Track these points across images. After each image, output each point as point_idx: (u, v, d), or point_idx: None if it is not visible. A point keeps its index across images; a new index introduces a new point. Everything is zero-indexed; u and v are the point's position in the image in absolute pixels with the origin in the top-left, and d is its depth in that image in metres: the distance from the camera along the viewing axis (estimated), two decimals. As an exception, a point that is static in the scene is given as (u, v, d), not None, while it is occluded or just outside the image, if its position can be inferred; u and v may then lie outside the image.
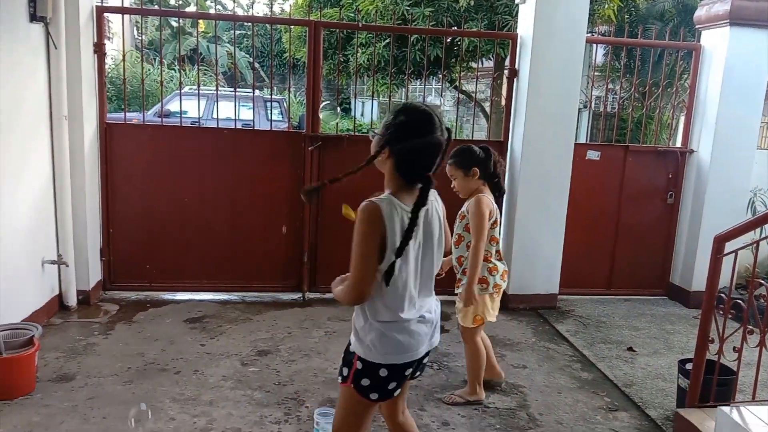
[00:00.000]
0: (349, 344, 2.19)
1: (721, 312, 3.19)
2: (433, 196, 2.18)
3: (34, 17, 4.09)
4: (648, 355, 4.45)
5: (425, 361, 2.28)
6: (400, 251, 2.02)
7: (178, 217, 5.05)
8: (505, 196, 5.28)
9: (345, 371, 2.17)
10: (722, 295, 3.18)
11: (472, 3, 8.55)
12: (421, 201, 2.05)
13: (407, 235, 2.01)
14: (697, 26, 5.64)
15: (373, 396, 2.14)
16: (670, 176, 5.65)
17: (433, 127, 2.06)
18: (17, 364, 3.32)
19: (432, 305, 2.24)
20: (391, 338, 2.09)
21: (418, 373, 2.30)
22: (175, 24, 17.30)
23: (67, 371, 3.67)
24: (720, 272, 3.21)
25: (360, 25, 5.34)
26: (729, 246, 3.20)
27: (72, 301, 4.65)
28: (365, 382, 2.12)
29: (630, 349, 4.52)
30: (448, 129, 2.12)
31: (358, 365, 2.12)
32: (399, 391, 2.22)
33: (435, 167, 2.11)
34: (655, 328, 5.00)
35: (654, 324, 5.10)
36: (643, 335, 4.84)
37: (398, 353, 2.11)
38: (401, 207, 2.04)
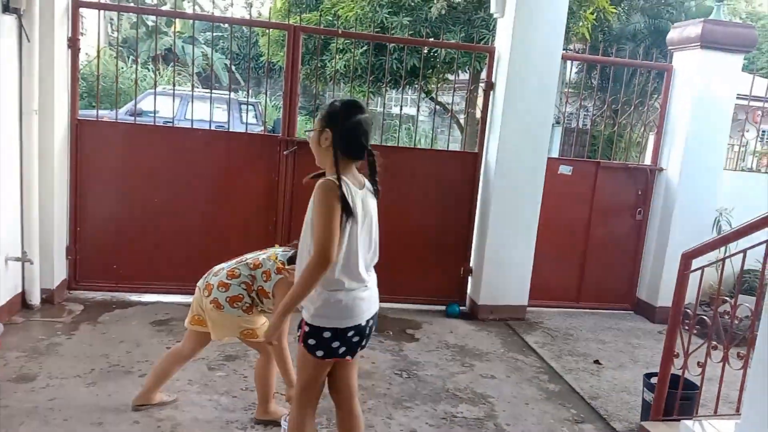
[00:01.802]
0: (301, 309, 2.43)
1: (687, 327, 3.26)
2: (367, 182, 2.49)
3: (6, 8, 4.01)
4: (614, 368, 4.51)
5: (371, 331, 2.53)
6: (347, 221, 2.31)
7: (148, 217, 4.98)
8: (477, 207, 5.36)
9: (299, 330, 2.43)
10: (687, 311, 3.25)
11: (444, 12, 8.61)
12: (373, 170, 2.43)
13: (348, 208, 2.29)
14: (669, 47, 5.77)
15: (319, 353, 2.38)
16: (640, 193, 5.76)
17: (362, 109, 2.43)
18: (-24, 363, 3.23)
19: (374, 279, 2.53)
20: (337, 305, 2.35)
21: (365, 341, 2.51)
22: (150, 23, 17.12)
23: (28, 371, 3.58)
24: (686, 287, 3.28)
25: (340, 31, 5.35)
26: (695, 263, 3.27)
27: (35, 299, 4.55)
28: (311, 341, 2.38)
29: (596, 362, 4.58)
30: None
31: (306, 328, 2.39)
32: (344, 351, 2.41)
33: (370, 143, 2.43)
34: (622, 342, 5.08)
35: (620, 338, 5.18)
36: (609, 348, 4.91)
37: (341, 318, 2.37)
38: (351, 185, 2.34)
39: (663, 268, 5.57)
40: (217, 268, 3.23)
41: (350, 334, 2.40)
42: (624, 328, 5.46)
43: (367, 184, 2.50)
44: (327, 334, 2.36)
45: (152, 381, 3.30)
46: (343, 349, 2.41)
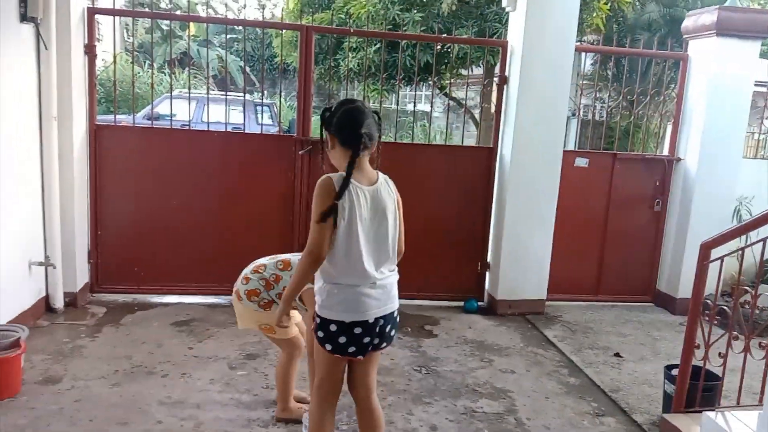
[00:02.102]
0: None
1: (707, 318, 3.23)
2: (385, 179, 2.55)
3: (24, 17, 4.08)
4: (634, 361, 4.48)
5: (391, 331, 2.55)
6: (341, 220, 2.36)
7: (166, 219, 5.04)
8: (494, 201, 5.35)
9: (313, 324, 2.51)
10: (708, 301, 3.22)
11: (454, 8, 8.59)
12: (354, 155, 2.40)
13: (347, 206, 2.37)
14: (684, 36, 5.71)
15: (328, 347, 2.44)
16: (657, 184, 5.71)
17: (352, 101, 2.54)
18: (3, 366, 3.29)
19: (389, 278, 2.51)
20: (339, 298, 2.41)
21: (384, 344, 2.54)
22: (165, 27, 17.25)
23: (53, 374, 3.65)
24: (706, 279, 3.25)
25: (352, 30, 5.37)
26: (715, 253, 3.24)
27: (59, 303, 4.62)
28: (320, 333, 2.45)
29: (617, 354, 4.56)
30: (375, 112, 2.54)
31: (317, 319, 2.47)
32: (354, 350, 2.44)
33: (372, 136, 2.46)
34: (642, 335, 5.04)
35: (640, 330, 5.14)
36: (629, 341, 4.87)
37: (344, 312, 2.40)
38: (352, 182, 2.39)
39: (683, 259, 5.52)
40: (255, 262, 3.29)
41: (357, 330, 2.42)
42: (644, 320, 5.42)
43: (383, 179, 2.53)
44: (333, 327, 2.41)
45: (280, 397, 3.33)
46: (352, 348, 2.44)
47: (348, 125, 2.43)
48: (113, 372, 3.72)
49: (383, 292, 2.47)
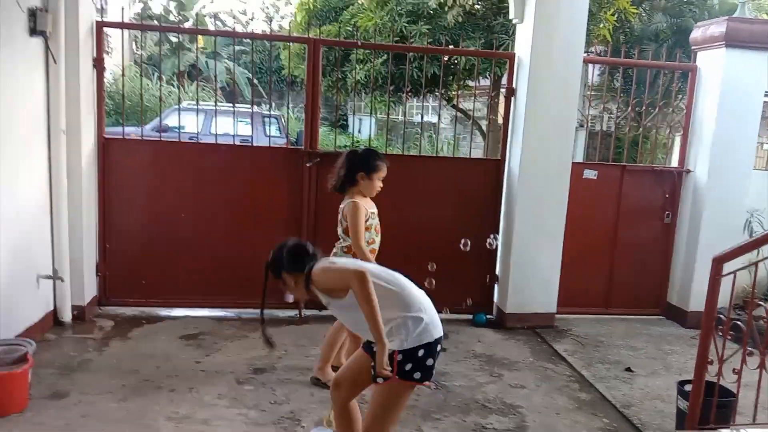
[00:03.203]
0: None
1: (720, 333, 3.18)
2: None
3: (34, 31, 4.10)
4: (646, 375, 4.43)
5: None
6: None
7: (175, 232, 5.03)
8: (502, 214, 5.32)
9: (391, 368, 2.47)
10: (721, 316, 3.17)
11: (460, 19, 8.60)
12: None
13: None
14: (693, 47, 5.68)
15: (417, 375, 2.48)
16: (667, 196, 5.66)
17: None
18: (10, 381, 3.28)
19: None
20: (420, 323, 2.49)
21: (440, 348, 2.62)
22: (174, 39, 17.36)
23: (60, 388, 3.63)
24: (718, 293, 3.20)
25: (359, 43, 5.37)
26: (727, 267, 3.19)
27: (67, 316, 4.62)
28: (408, 366, 2.46)
29: (628, 369, 4.50)
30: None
31: (399, 357, 2.45)
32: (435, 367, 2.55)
33: None
34: (653, 348, 4.98)
35: (652, 344, 5.08)
36: (641, 355, 4.82)
37: (429, 331, 2.50)
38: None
39: (694, 271, 5.46)
40: None
41: (438, 348, 2.56)
42: (655, 333, 5.36)
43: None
44: (421, 353, 2.48)
45: (322, 357, 3.82)
46: (435, 366, 2.55)
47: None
48: (120, 387, 3.70)
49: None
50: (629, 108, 6.02)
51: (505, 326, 5.22)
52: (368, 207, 3.65)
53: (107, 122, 5.11)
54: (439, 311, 2.64)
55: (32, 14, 4.07)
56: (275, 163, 5.17)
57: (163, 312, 5.07)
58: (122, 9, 4.99)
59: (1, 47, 3.76)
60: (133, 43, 16.22)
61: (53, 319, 4.57)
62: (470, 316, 5.33)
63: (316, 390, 3.82)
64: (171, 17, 18.84)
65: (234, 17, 22.15)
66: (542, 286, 5.27)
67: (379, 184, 3.66)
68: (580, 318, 5.56)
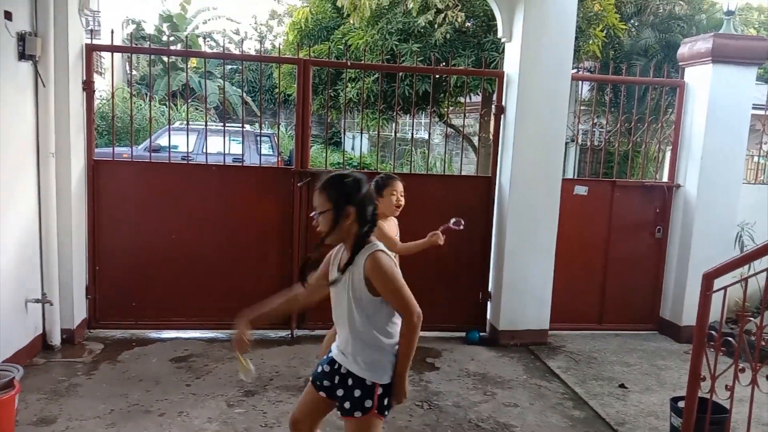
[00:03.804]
0: (361, 381, 2.36)
1: (712, 349, 3.17)
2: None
3: (22, 56, 4.11)
4: (640, 391, 4.40)
5: None
6: None
7: (165, 254, 5.01)
8: (494, 231, 5.32)
9: (368, 403, 2.35)
10: (713, 332, 3.16)
11: (449, 36, 8.66)
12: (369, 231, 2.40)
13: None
14: (680, 63, 5.73)
15: (386, 412, 2.40)
16: (658, 210, 5.68)
17: (364, 180, 2.44)
18: (-4, 408, 3.23)
19: None
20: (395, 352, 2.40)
21: None
22: (166, 60, 17.41)
23: (48, 414, 3.59)
24: (709, 309, 3.20)
25: (348, 63, 5.39)
26: (718, 283, 3.19)
27: (56, 340, 4.57)
28: (386, 402, 2.38)
29: (622, 385, 4.48)
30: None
31: (379, 390, 2.35)
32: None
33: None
34: (647, 364, 4.96)
35: (645, 359, 5.07)
36: (634, 371, 4.80)
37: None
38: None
39: (686, 286, 5.47)
40: None
41: None
42: (649, 349, 5.34)
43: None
44: (388, 387, 2.39)
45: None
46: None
47: (371, 205, 2.41)
48: (109, 411, 3.66)
49: None
50: (619, 123, 6.07)
51: (498, 343, 5.20)
52: (391, 228, 3.77)
53: (100, 143, 5.10)
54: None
55: (21, 39, 4.07)
56: (266, 183, 5.16)
57: (154, 334, 5.03)
58: (111, 32, 4.99)
59: (-10, 72, 3.76)
60: (126, 63, 16.28)
61: (42, 342, 4.53)
62: (463, 334, 5.31)
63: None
64: (164, 38, 18.94)
65: (228, 37, 22.29)
66: (535, 302, 5.25)
67: (394, 200, 3.74)
68: (574, 334, 5.55)
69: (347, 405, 2.36)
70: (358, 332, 2.36)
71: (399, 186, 3.76)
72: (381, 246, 2.37)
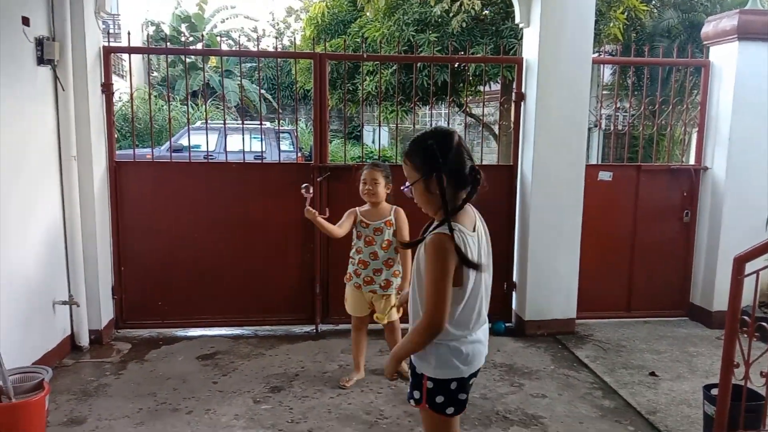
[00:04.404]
0: (413, 366, 2.26)
1: (746, 334, 3.08)
2: (478, 215, 2.28)
3: (41, 60, 4.14)
4: (671, 379, 4.32)
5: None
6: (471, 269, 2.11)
7: (188, 252, 5.03)
8: (517, 220, 5.25)
9: (417, 394, 2.25)
10: (745, 317, 3.08)
11: (465, 24, 8.57)
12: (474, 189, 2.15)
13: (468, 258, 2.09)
14: (704, 42, 5.58)
15: (449, 410, 2.22)
16: (685, 194, 5.55)
17: (453, 135, 2.15)
18: (27, 409, 3.27)
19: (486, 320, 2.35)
20: (459, 353, 2.18)
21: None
22: (189, 60, 17.53)
23: (78, 414, 3.63)
24: (741, 294, 3.11)
25: (365, 55, 5.35)
26: (749, 266, 3.10)
27: (84, 341, 4.63)
28: (439, 399, 2.20)
29: (652, 373, 4.40)
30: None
31: (429, 384, 2.20)
32: (465, 401, 2.28)
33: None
34: (678, 351, 4.86)
35: (676, 346, 4.96)
36: (665, 359, 4.70)
37: (465, 365, 2.20)
38: (465, 231, 2.11)
39: (716, 270, 5.34)
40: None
41: (472, 381, 2.29)
42: (679, 335, 5.23)
43: (478, 216, 2.28)
44: (453, 386, 2.20)
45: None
46: (465, 397, 2.26)
47: (466, 166, 2.12)
48: (137, 411, 3.69)
49: (486, 333, 2.35)
50: (642, 106, 5.94)
51: (524, 334, 5.14)
52: (365, 216, 4.05)
53: (123, 145, 5.14)
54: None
55: (39, 44, 4.11)
56: (287, 179, 5.15)
57: (180, 332, 5.07)
58: (129, 33, 5.01)
59: (11, 79, 3.80)
60: (147, 64, 16.45)
61: (71, 344, 4.59)
62: (489, 325, 5.24)
63: (333, 407, 3.77)
64: (182, 38, 19.08)
65: (246, 35, 22.35)
66: (561, 291, 5.18)
67: (362, 187, 4.00)
68: (601, 322, 5.45)
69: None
70: (416, 313, 2.19)
71: (371, 174, 3.96)
72: (461, 227, 2.09)
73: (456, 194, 2.14)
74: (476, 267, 2.12)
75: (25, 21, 3.95)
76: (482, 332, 2.30)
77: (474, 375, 2.29)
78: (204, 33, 19.79)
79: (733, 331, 3.08)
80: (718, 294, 5.31)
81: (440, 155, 2.09)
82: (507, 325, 5.30)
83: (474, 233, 2.17)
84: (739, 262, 3.09)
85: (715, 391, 3.24)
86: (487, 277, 2.26)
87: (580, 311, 5.26)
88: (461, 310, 2.16)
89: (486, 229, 2.31)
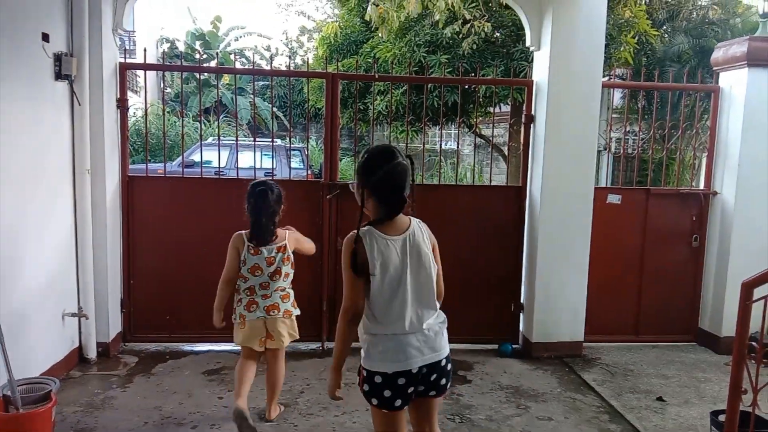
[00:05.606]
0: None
1: (754, 361, 3.07)
2: (418, 224, 2.52)
3: (59, 76, 4.22)
4: (679, 405, 4.28)
5: (440, 380, 2.50)
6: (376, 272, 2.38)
7: (198, 267, 5.06)
8: (525, 241, 5.25)
9: (357, 380, 2.51)
10: (754, 343, 3.06)
11: (476, 46, 8.63)
12: (390, 215, 2.45)
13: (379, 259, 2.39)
14: (714, 68, 5.61)
15: (374, 401, 2.43)
16: (694, 219, 5.54)
17: (393, 155, 2.41)
18: (34, 420, 3.30)
19: (430, 321, 2.49)
20: (380, 348, 2.41)
21: (433, 392, 2.50)
22: (203, 76, 17.75)
23: (84, 426, 3.65)
24: (749, 319, 3.10)
25: (376, 76, 5.42)
26: (758, 292, 3.09)
27: (92, 353, 4.65)
28: (366, 387, 2.45)
29: (660, 398, 4.37)
30: (408, 156, 2.47)
31: (363, 373, 2.46)
32: (401, 403, 2.43)
33: (406, 189, 2.43)
34: (686, 376, 4.83)
35: (684, 371, 4.93)
36: (673, 384, 4.67)
37: (386, 361, 2.40)
38: (380, 235, 2.40)
39: (724, 296, 5.32)
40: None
41: (400, 381, 2.40)
42: (687, 360, 5.20)
43: (415, 225, 2.50)
44: (378, 379, 2.40)
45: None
46: (398, 401, 2.43)
47: (389, 188, 2.41)
48: (143, 424, 3.70)
49: (426, 340, 2.46)
50: (652, 130, 5.96)
51: (531, 356, 5.12)
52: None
53: (135, 159, 5.20)
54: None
55: (57, 59, 4.19)
56: (296, 196, 5.16)
57: (187, 347, 5.09)
58: (144, 50, 5.11)
59: (30, 92, 3.89)
60: (161, 81, 16.66)
61: (78, 356, 4.61)
62: (495, 347, 5.24)
63: (338, 425, 3.77)
64: (197, 56, 19.33)
65: (260, 53, 22.58)
66: (569, 314, 5.16)
67: None
68: (609, 346, 5.43)
69: (444, 381, 2.52)
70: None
71: None
72: (377, 233, 2.41)
73: (378, 206, 2.43)
74: (359, 271, 2.36)
75: (45, 37, 4.04)
76: (415, 337, 2.43)
77: (409, 379, 2.40)
78: (218, 51, 20.04)
79: (741, 357, 3.06)
80: (726, 319, 5.28)
81: (366, 174, 2.42)
82: (514, 346, 5.28)
83: (397, 238, 2.41)
84: (747, 288, 3.09)
85: (722, 418, 3.22)
86: (416, 285, 2.44)
87: (588, 334, 5.25)
88: (377, 306, 2.40)
89: (428, 243, 2.50)
